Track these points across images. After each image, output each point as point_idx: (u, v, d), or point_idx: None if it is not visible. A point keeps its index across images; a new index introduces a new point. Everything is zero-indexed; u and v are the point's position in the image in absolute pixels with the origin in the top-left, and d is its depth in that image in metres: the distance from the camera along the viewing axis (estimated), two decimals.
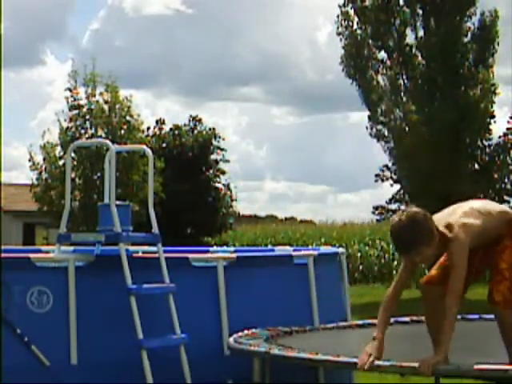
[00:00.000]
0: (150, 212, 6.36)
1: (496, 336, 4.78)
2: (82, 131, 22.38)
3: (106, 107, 22.52)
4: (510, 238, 4.74)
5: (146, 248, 7.23)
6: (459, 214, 4.68)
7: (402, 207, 21.70)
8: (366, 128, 21.46)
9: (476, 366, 4.50)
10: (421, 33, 20.94)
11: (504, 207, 5.00)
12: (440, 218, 4.70)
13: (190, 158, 33.78)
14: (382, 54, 21.20)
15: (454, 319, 4.50)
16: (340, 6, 21.51)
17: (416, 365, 4.51)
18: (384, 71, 21.12)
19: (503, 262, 4.69)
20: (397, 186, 21.81)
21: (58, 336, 5.68)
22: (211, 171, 34.74)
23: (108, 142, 6.80)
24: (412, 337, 6.33)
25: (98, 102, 22.54)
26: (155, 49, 65.48)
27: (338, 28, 21.48)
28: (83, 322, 5.72)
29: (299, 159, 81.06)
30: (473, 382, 4.96)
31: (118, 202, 6.07)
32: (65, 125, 22.50)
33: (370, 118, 21.30)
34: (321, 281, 6.82)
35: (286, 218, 48.48)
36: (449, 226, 4.60)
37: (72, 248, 7.14)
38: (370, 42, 21.12)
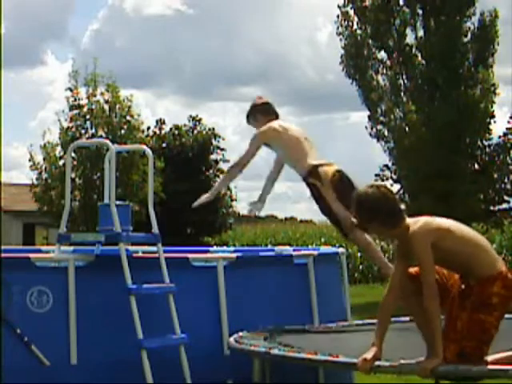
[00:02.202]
0: (150, 212, 6.36)
1: (495, 336, 4.77)
2: (83, 131, 22.40)
3: (106, 107, 22.55)
4: (474, 296, 4.48)
5: (146, 248, 7.23)
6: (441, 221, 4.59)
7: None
8: (366, 128, 21.48)
9: (475, 366, 4.50)
10: (421, 33, 20.93)
11: (496, 261, 4.55)
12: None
13: (189, 158, 33.77)
14: (382, 54, 21.19)
15: (437, 319, 4.44)
16: (340, 6, 21.51)
17: (415, 367, 4.53)
18: (384, 71, 21.11)
19: (460, 321, 4.50)
20: (397, 186, 21.77)
21: (57, 336, 5.68)
22: (211, 171, 34.73)
23: (108, 142, 6.80)
24: (411, 336, 6.32)
25: (98, 101, 22.57)
26: (155, 49, 65.54)
27: (338, 28, 21.48)
28: (83, 321, 5.72)
29: None
30: (472, 382, 4.96)
31: (117, 202, 6.07)
32: (65, 125, 22.53)
33: (369, 118, 21.29)
34: (321, 281, 6.82)
35: (285, 218, 48.52)
36: (417, 222, 4.54)
37: (72, 248, 7.15)
38: (370, 41, 21.11)
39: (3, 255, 5.72)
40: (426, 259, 4.44)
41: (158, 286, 5.93)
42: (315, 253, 7.03)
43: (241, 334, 5.97)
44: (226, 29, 70.41)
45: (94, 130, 22.44)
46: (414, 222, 4.56)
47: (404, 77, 20.94)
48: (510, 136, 20.85)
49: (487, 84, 20.17)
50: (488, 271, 4.49)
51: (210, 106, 72.99)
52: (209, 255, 7.45)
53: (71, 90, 22.70)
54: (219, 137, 35.14)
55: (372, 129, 21.32)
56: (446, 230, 4.53)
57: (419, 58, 20.91)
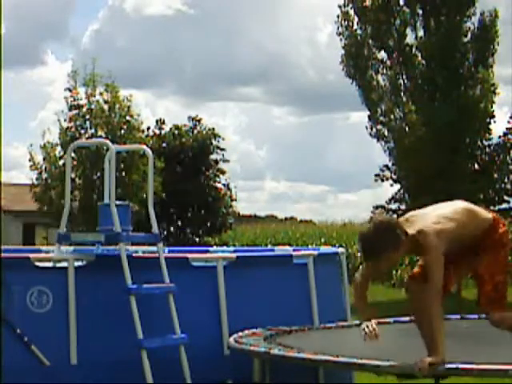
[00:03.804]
0: (149, 212, 6.36)
1: (495, 336, 4.78)
2: (82, 131, 22.37)
3: (105, 107, 22.53)
4: (485, 246, 4.81)
5: (146, 248, 7.23)
6: (433, 219, 4.71)
7: (402, 207, 21.71)
8: (366, 128, 21.48)
9: (476, 366, 4.50)
10: (421, 33, 20.94)
11: (484, 214, 4.93)
12: (415, 218, 4.77)
13: (190, 158, 33.76)
14: (382, 54, 21.20)
15: (437, 320, 4.54)
16: (340, 6, 21.52)
17: (414, 366, 4.53)
18: (384, 71, 21.12)
19: (481, 267, 4.80)
20: (397, 186, 21.79)
21: (57, 336, 5.68)
22: (211, 171, 34.72)
23: (108, 142, 6.81)
24: (411, 336, 6.32)
25: (97, 101, 22.55)
26: (156, 49, 65.45)
27: (338, 28, 21.49)
28: (83, 321, 5.72)
29: (299, 159, 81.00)
30: (472, 382, 4.96)
31: (117, 202, 6.07)
32: (65, 125, 22.50)
33: (369, 117, 21.30)
34: (321, 281, 6.82)
35: (285, 218, 48.49)
36: (421, 232, 4.64)
37: (72, 248, 7.15)
38: (370, 41, 21.12)
39: (3, 255, 5.72)
40: (438, 270, 4.58)
41: (158, 285, 5.93)
42: (315, 253, 7.03)
43: (241, 333, 5.96)
44: (226, 29, 70.36)
45: (93, 130, 22.41)
46: (419, 232, 4.63)
47: (404, 77, 20.94)
48: (510, 136, 20.86)
49: (487, 84, 20.17)
50: (487, 224, 4.84)
51: (209, 106, 72.92)
52: (209, 255, 7.45)
53: (70, 90, 22.69)
54: (219, 137, 35.13)
55: (372, 129, 21.33)
56: (451, 232, 4.68)
57: (419, 57, 20.91)
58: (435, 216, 4.74)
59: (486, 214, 4.94)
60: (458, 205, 4.92)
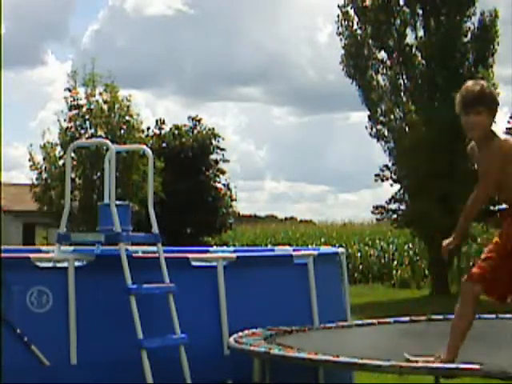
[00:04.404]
0: (149, 212, 6.36)
1: (495, 336, 4.78)
2: (82, 131, 22.39)
3: (105, 107, 22.53)
4: None
5: (146, 248, 7.22)
6: None
7: (402, 207, 21.70)
8: (366, 128, 21.50)
9: (476, 366, 4.50)
10: (421, 33, 20.97)
11: None
12: None
13: (190, 158, 33.76)
14: (382, 54, 21.23)
15: (478, 202, 4.86)
16: (340, 6, 21.53)
17: (417, 364, 4.52)
18: (384, 71, 21.14)
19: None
20: (397, 186, 21.81)
21: (57, 336, 5.68)
22: (211, 171, 34.70)
23: (108, 141, 6.80)
24: (412, 336, 6.32)
25: (97, 101, 22.56)
26: (156, 49, 65.53)
27: (338, 28, 21.51)
28: (83, 321, 5.72)
29: (299, 159, 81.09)
30: (472, 382, 4.96)
31: (117, 202, 6.06)
32: (65, 125, 22.51)
33: (370, 117, 21.32)
34: (321, 281, 6.82)
35: (285, 218, 48.55)
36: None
37: (72, 248, 7.14)
38: (370, 41, 21.14)
39: (3, 255, 5.72)
40: (494, 166, 4.87)
41: (158, 285, 5.92)
42: (315, 253, 7.03)
43: (241, 333, 5.96)
44: (226, 29, 70.44)
45: (93, 130, 22.42)
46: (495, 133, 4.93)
47: (404, 77, 20.95)
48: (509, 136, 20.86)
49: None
50: None
51: (209, 106, 73.06)
52: (209, 255, 7.45)
53: (70, 90, 22.70)
54: (219, 137, 35.11)
55: (372, 129, 21.35)
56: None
57: (419, 58, 20.93)
58: None
59: None
60: None
